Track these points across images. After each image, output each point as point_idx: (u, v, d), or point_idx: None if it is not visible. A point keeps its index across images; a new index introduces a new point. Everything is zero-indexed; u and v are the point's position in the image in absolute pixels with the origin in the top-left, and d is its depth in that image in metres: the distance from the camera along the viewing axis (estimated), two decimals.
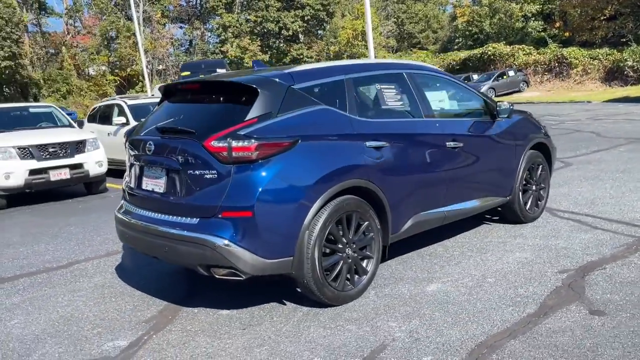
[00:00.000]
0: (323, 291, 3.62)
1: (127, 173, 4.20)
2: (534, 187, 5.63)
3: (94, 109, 13.08)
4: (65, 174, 8.78)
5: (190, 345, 3.31)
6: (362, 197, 3.84)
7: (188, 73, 20.39)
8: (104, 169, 9.37)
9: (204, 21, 58.21)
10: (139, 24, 52.69)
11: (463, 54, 42.48)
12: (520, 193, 5.41)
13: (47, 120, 10.24)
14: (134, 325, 3.68)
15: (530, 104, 26.76)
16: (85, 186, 9.50)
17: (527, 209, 5.54)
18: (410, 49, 59.35)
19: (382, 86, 4.26)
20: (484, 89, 31.14)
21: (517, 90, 32.96)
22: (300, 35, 57.95)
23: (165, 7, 54.52)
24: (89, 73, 54.75)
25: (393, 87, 4.34)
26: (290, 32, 55.13)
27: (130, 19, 55.07)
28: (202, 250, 3.36)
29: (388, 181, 3.99)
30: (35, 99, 47.32)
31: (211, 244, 3.32)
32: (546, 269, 4.25)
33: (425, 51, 55.16)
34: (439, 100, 5.18)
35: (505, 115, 5.08)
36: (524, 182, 5.46)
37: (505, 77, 32.73)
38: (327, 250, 3.68)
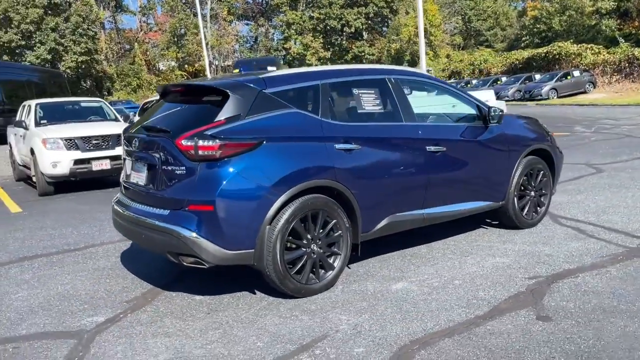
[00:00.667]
0: (285, 283, 3.86)
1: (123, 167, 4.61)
2: (532, 194, 5.61)
3: (145, 103, 13.84)
4: (106, 165, 9.45)
5: (156, 324, 3.65)
6: (330, 197, 4.04)
7: (237, 70, 21.05)
8: None
9: (268, 18, 59.29)
10: (204, 21, 54.52)
11: (527, 53, 41.22)
12: (516, 198, 5.41)
13: (96, 114, 11.00)
14: (117, 304, 4.07)
15: (593, 105, 25.72)
16: None
17: (523, 214, 5.53)
18: (477, 47, 58.07)
19: (360, 91, 4.43)
20: (545, 89, 30.17)
21: (582, 91, 31.64)
22: (363, 33, 57.99)
23: (231, 4, 55.99)
24: (158, 68, 57.15)
25: (373, 92, 4.50)
26: (353, 30, 55.25)
27: (196, 15, 57.11)
28: (170, 240, 3.70)
29: (358, 183, 4.17)
30: (109, 92, 50.00)
31: (177, 234, 3.65)
32: (518, 274, 4.29)
33: (489, 49, 53.82)
34: (427, 105, 5.28)
35: (495, 121, 5.11)
36: (520, 188, 5.46)
37: (569, 77, 31.51)
38: (293, 245, 3.91)
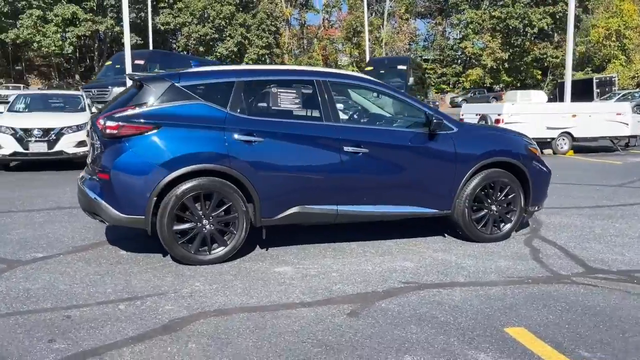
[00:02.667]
0: (172, 249, 4.53)
1: None
2: (493, 208, 5.43)
3: None
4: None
5: (69, 267, 4.57)
6: (228, 181, 4.58)
7: (371, 68, 21.64)
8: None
9: (446, 16, 58.32)
10: (381, 18, 55.60)
11: None
12: (467, 210, 5.31)
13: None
14: (64, 247, 5.12)
15: None
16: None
17: (478, 227, 5.40)
18: None
19: (280, 90, 4.84)
20: None
21: None
22: (551, 33, 54.00)
23: (410, 2, 56.24)
24: (336, 64, 59.87)
25: (294, 91, 4.88)
26: (536, 30, 51.78)
27: (376, 13, 58.43)
28: (87, 200, 4.61)
29: (257, 171, 4.63)
30: None
31: (88, 197, 4.54)
32: (394, 277, 4.39)
33: None
34: (361, 108, 5.41)
35: (435, 129, 5.10)
36: (475, 200, 5.33)
37: None
38: (185, 219, 4.56)
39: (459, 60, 58.27)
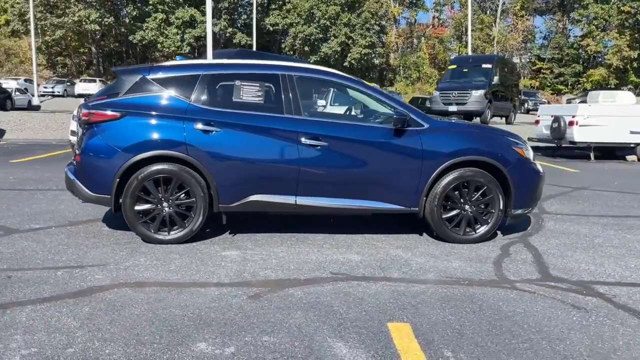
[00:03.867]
0: (134, 228, 4.96)
1: None
2: (466, 208, 5.26)
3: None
4: None
5: (50, 237, 5.16)
6: (186, 167, 4.91)
7: (454, 66, 20.99)
8: None
9: (567, 12, 54.62)
10: (493, 16, 53.40)
11: None
12: (437, 209, 5.21)
13: None
14: (62, 221, 5.76)
15: None
16: None
17: (449, 227, 5.26)
18: None
19: (243, 83, 5.08)
20: None
21: None
22: None
23: None
24: (446, 63, 58.47)
25: (258, 85, 5.09)
26: None
27: (490, 11, 56.21)
28: (67, 181, 5.17)
29: (214, 160, 4.91)
30: (391, 83, 53.71)
31: (68, 177, 5.10)
32: (328, 268, 4.47)
33: None
34: (328, 102, 5.44)
35: (398, 124, 5.05)
36: (445, 200, 5.21)
37: None
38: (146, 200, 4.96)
39: (580, 60, 54.27)
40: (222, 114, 5.00)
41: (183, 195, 4.97)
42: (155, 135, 4.89)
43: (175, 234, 5.01)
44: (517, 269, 4.59)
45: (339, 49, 46.99)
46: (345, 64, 47.48)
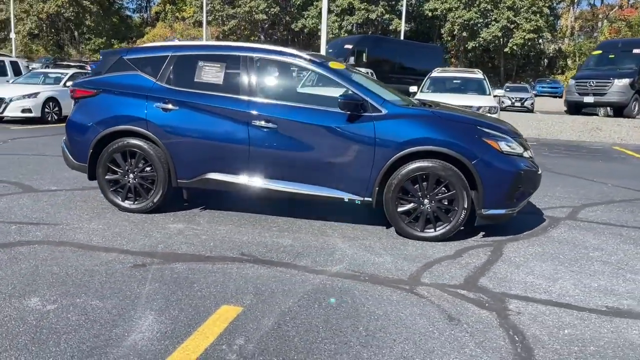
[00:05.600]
0: (106, 196, 5.45)
1: None
2: (425, 202, 4.85)
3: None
4: None
5: (51, 198, 5.89)
6: (147, 142, 5.25)
7: (599, 52, 18.57)
8: None
9: None
10: None
11: None
12: (392, 202, 4.89)
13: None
14: (77, 185, 6.50)
15: None
16: None
17: (405, 222, 4.91)
18: None
19: (206, 64, 5.23)
20: None
21: None
22: None
23: None
24: None
25: (218, 66, 5.20)
26: None
27: None
28: (62, 150, 5.82)
29: (171, 137, 5.17)
30: (562, 71, 49.29)
31: (62, 147, 5.75)
32: (242, 249, 4.50)
33: None
34: (286, 85, 5.27)
35: (345, 109, 4.81)
36: (400, 192, 4.86)
37: None
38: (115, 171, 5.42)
39: None
40: (182, 93, 5.22)
41: (149, 168, 5.31)
42: (121, 112, 5.30)
43: (138, 204, 5.39)
44: (442, 273, 4.14)
45: (499, 34, 44.21)
46: (506, 49, 44.60)
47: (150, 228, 4.95)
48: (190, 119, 5.16)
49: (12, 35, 42.44)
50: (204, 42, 5.88)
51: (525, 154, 5.01)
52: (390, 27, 47.82)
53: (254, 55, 5.21)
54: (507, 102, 29.42)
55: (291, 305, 3.44)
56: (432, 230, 4.88)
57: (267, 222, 5.29)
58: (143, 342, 2.93)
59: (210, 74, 5.22)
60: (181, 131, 5.17)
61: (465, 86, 12.64)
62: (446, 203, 4.85)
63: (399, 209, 4.90)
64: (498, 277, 4.10)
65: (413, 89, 13.03)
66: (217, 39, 55.61)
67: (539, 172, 5.22)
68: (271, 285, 3.75)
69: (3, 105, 13.28)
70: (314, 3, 49.11)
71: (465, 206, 4.78)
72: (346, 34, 49.24)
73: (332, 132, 4.90)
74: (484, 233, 5.20)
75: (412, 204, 4.88)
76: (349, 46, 20.06)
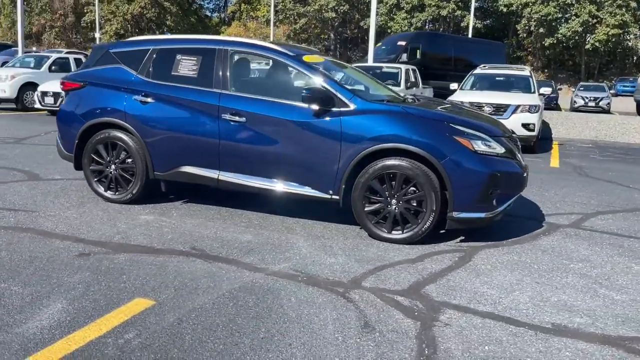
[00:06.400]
0: (90, 185, 5.59)
1: None
2: (393, 203, 4.61)
3: None
4: None
5: (50, 186, 6.12)
6: (126, 134, 5.34)
7: None
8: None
9: None
10: None
11: None
12: (360, 201, 4.69)
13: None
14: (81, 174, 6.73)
15: None
16: None
17: (372, 222, 4.69)
18: None
19: (183, 57, 5.22)
20: None
21: None
22: None
23: None
24: None
25: (195, 59, 5.18)
26: None
27: None
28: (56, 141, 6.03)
29: (148, 129, 5.21)
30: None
31: (56, 138, 5.97)
32: (194, 242, 4.46)
33: None
34: (261, 78, 5.13)
35: (309, 103, 4.65)
36: (367, 191, 4.65)
37: None
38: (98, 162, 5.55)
39: None
40: (158, 86, 5.25)
41: (129, 160, 5.40)
42: (103, 104, 5.40)
43: (119, 194, 5.49)
44: (389, 278, 3.90)
45: (580, 29, 41.69)
46: (587, 46, 42.04)
47: (120, 218, 5.02)
48: (164, 112, 5.18)
49: (97, 35, 45.04)
50: (183, 36, 5.88)
51: (505, 154, 4.63)
52: (462, 24, 46.33)
53: (228, 48, 5.15)
54: (580, 102, 27.80)
55: (205, 302, 3.36)
56: (400, 232, 4.62)
57: (240, 217, 5.22)
58: (34, 329, 2.94)
59: (187, 67, 5.21)
60: (156, 124, 5.21)
61: (508, 83, 11.99)
62: (415, 204, 4.57)
63: (366, 209, 4.68)
64: (448, 285, 3.80)
65: (454, 86, 12.51)
66: (288, 37, 56.36)
67: (525, 174, 4.81)
68: (199, 281, 3.68)
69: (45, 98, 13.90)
70: (383, 0, 48.55)
71: (434, 208, 4.48)
72: (414, 30, 48.34)
73: (298, 127, 4.76)
74: (463, 237, 4.87)
75: (379, 204, 4.64)
76: (402, 43, 19.61)
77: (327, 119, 4.67)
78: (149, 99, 5.22)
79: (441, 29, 50.94)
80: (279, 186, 4.92)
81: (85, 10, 56.34)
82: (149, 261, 4.00)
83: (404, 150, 4.50)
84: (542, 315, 3.40)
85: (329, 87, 4.74)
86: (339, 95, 4.70)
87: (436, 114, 4.72)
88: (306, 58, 5.07)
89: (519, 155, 4.88)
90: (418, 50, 19.46)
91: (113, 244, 4.34)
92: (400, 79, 12.84)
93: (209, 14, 75.47)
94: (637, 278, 4.11)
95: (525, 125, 10.49)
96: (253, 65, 5.31)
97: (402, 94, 6.04)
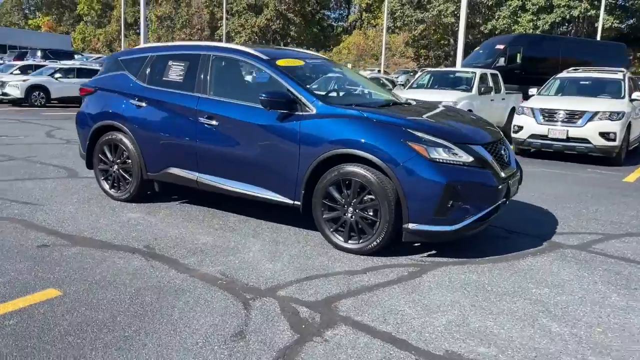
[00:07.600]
0: (99, 183, 5.99)
1: None
2: (349, 211, 4.41)
3: None
4: None
5: (75, 183, 6.68)
6: (125, 136, 5.66)
7: None
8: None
9: None
10: None
11: None
12: (317, 207, 4.55)
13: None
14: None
15: None
16: None
17: (330, 230, 4.53)
18: None
19: (173, 63, 5.40)
20: None
21: None
22: None
23: None
24: None
25: (182, 64, 5.34)
26: None
27: None
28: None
29: (140, 131, 5.48)
30: None
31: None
32: (156, 243, 4.60)
33: None
34: (239, 82, 5.10)
35: (265, 107, 4.59)
36: (324, 197, 4.50)
37: None
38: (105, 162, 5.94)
39: None
40: (150, 90, 5.50)
41: (129, 160, 5.72)
42: (107, 108, 5.77)
43: (120, 192, 5.82)
44: (311, 288, 3.71)
45: None
46: None
47: (107, 215, 5.32)
48: (155, 115, 5.41)
49: None
50: (177, 43, 6.06)
51: (474, 163, 4.20)
52: (596, 25, 42.51)
53: (210, 53, 5.26)
54: None
55: (106, 298, 3.45)
56: (356, 242, 4.38)
57: (219, 220, 5.28)
58: None
59: (175, 72, 5.40)
60: (147, 126, 5.46)
61: (595, 88, 10.75)
62: (371, 214, 4.31)
63: (325, 216, 4.51)
64: (367, 301, 3.54)
65: (532, 91, 11.53)
66: (407, 44, 55.80)
67: (499, 186, 4.32)
68: (119, 277, 3.78)
69: None
70: (507, 2, 46.21)
71: (388, 219, 4.19)
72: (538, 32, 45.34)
73: (262, 130, 4.72)
74: (434, 252, 4.50)
75: (336, 212, 4.44)
76: (501, 46, 18.42)
77: (287, 122, 4.58)
78: (142, 103, 5.48)
79: (572, 31, 47.32)
80: (247, 190, 4.92)
81: (219, 25, 60.40)
82: (92, 256, 4.19)
83: (359, 157, 4.26)
84: (442, 341, 3.04)
85: (292, 91, 4.64)
86: (302, 98, 4.58)
87: (395, 119, 4.39)
88: (280, 62, 5.01)
89: (496, 165, 4.39)
90: (518, 54, 18.20)
91: (77, 238, 4.60)
92: (473, 83, 12.10)
93: (333, 23, 77.17)
94: (604, 310, 3.51)
95: (604, 134, 9.37)
96: (228, 70, 5.36)
97: (403, 98, 5.74)
